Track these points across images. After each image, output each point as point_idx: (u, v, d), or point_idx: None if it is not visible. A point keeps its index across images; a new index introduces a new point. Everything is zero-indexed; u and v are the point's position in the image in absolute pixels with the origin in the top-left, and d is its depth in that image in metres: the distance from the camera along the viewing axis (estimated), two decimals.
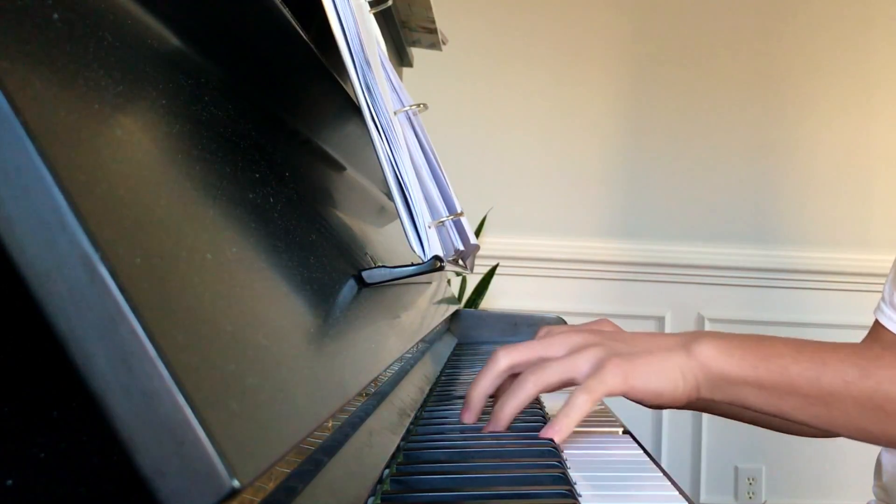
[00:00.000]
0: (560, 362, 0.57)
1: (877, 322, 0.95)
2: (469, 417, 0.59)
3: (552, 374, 0.56)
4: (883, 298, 0.95)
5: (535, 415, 0.65)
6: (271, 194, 0.42)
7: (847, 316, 2.10)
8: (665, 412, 2.15)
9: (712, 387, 0.56)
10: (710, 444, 2.18)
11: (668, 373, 0.55)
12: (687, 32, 2.21)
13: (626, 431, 0.65)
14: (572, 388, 0.58)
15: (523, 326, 1.21)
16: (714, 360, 0.55)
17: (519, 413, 0.57)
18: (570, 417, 0.54)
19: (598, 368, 0.55)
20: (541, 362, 0.57)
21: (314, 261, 0.44)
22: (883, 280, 0.99)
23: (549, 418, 0.64)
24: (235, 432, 0.22)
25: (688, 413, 2.16)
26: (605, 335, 0.60)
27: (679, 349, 0.56)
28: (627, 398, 0.56)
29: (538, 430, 0.59)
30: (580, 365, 0.56)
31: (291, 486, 0.31)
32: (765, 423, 0.59)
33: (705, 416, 2.15)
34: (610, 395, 0.55)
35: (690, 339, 0.57)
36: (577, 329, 0.63)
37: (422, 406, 0.66)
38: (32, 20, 0.24)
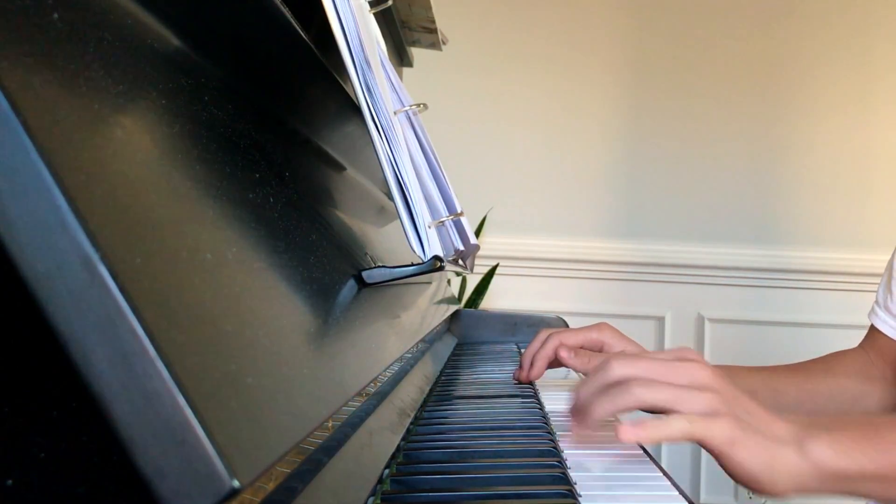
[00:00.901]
0: (674, 389, 0.52)
1: (873, 326, 0.95)
2: (578, 420, 0.55)
3: (659, 395, 0.52)
4: (877, 301, 0.96)
5: (534, 414, 0.65)
6: (271, 194, 0.42)
7: (846, 316, 2.10)
8: None
9: (823, 483, 0.53)
10: None
11: (774, 465, 0.51)
12: (686, 34, 2.21)
13: None
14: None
15: (523, 326, 1.21)
16: (831, 460, 0.52)
17: (609, 416, 0.54)
18: (658, 430, 0.50)
19: (711, 415, 0.51)
20: (655, 381, 0.53)
21: (314, 261, 0.44)
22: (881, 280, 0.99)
23: (549, 419, 0.64)
24: (235, 432, 0.22)
25: None
26: (729, 393, 0.54)
27: (793, 445, 0.52)
28: (718, 461, 0.52)
29: (538, 429, 0.59)
30: (694, 402, 0.52)
31: (291, 486, 0.31)
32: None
33: None
34: (706, 443, 0.51)
35: (805, 434, 0.53)
36: (705, 366, 0.56)
37: (422, 406, 0.66)
38: (32, 20, 0.24)
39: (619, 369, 0.54)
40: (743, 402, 0.54)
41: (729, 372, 0.88)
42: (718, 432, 0.50)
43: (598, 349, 0.87)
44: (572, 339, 0.86)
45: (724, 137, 2.20)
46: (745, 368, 0.90)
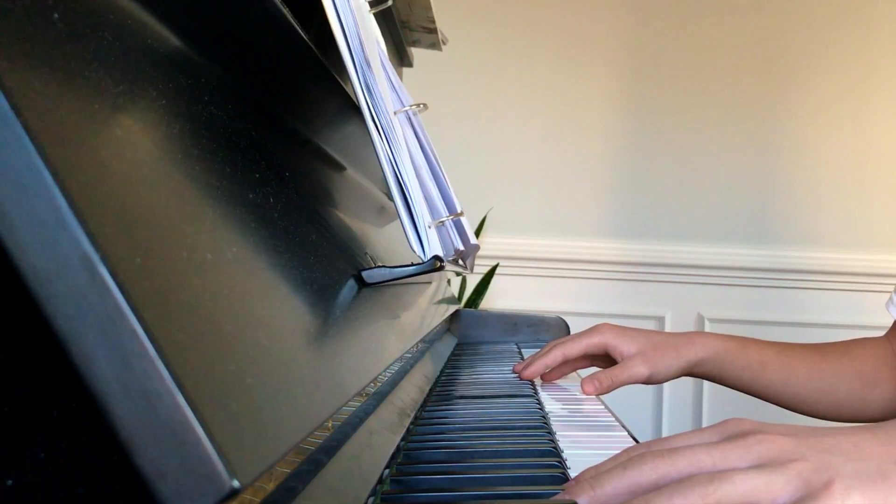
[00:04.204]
0: (746, 477, 0.38)
1: None
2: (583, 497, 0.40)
3: (729, 494, 0.37)
4: None
5: (534, 414, 0.65)
6: (271, 194, 0.42)
7: (847, 316, 2.09)
8: (665, 409, 2.16)
9: None
10: None
11: None
12: (686, 34, 2.21)
13: (627, 433, 0.65)
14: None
15: (523, 326, 1.21)
16: None
17: None
18: None
19: (810, 496, 0.37)
20: (717, 472, 0.38)
21: (314, 261, 0.44)
22: (882, 279, 0.98)
23: (549, 419, 0.64)
24: (235, 432, 0.22)
25: (688, 413, 2.17)
26: (802, 439, 0.41)
27: None
28: None
29: (538, 429, 0.59)
30: (776, 487, 0.38)
31: (291, 486, 0.31)
32: None
33: (706, 416, 2.15)
34: None
35: None
36: (763, 429, 0.42)
37: (422, 406, 0.66)
38: (32, 20, 0.24)
39: (650, 471, 0.40)
40: (826, 443, 0.41)
41: (741, 344, 0.88)
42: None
43: (603, 353, 0.87)
44: (574, 348, 0.86)
45: (724, 138, 2.20)
46: (758, 340, 0.90)
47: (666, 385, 2.15)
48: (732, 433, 0.42)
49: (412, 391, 0.65)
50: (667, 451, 0.41)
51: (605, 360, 0.89)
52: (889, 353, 0.90)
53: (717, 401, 2.13)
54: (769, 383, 0.88)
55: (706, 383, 2.12)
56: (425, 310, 0.81)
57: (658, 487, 0.39)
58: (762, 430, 0.42)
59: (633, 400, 2.10)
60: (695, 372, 0.88)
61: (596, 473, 0.41)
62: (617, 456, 0.43)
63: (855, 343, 0.92)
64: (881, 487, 0.37)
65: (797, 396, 0.89)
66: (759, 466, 0.39)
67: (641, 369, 0.83)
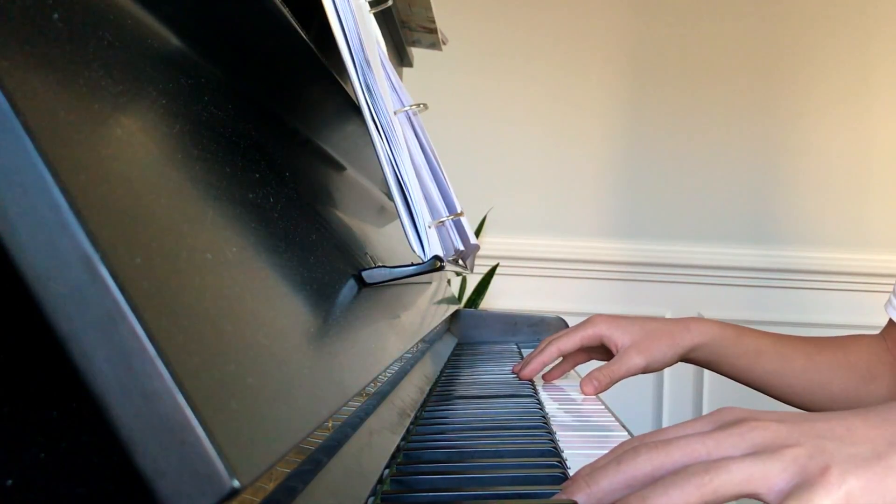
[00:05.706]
0: (741, 465, 0.37)
1: (891, 321, 0.94)
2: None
3: (726, 483, 0.37)
4: (895, 293, 0.94)
5: (534, 414, 0.65)
6: (271, 194, 0.42)
7: (847, 316, 2.09)
8: (665, 405, 2.16)
9: None
10: None
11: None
12: (687, 34, 2.21)
13: (628, 433, 0.65)
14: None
15: (523, 326, 1.21)
16: None
17: None
18: None
19: (807, 482, 0.37)
20: (713, 462, 0.38)
21: (314, 261, 0.44)
22: (881, 279, 0.98)
23: (549, 420, 0.64)
24: (235, 432, 0.22)
25: (688, 409, 2.17)
26: (796, 425, 0.40)
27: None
28: None
29: (538, 429, 0.59)
30: (772, 474, 0.37)
31: (291, 486, 0.31)
32: None
33: (706, 411, 2.15)
34: None
35: None
36: (756, 416, 0.41)
37: (422, 406, 0.66)
38: (32, 20, 0.24)
39: (646, 463, 0.39)
40: (820, 428, 0.40)
41: (738, 332, 0.88)
42: (835, 498, 0.36)
43: (598, 344, 0.88)
44: (569, 343, 0.87)
45: (725, 138, 2.20)
46: (755, 330, 0.89)
47: (666, 380, 2.15)
48: (726, 421, 0.42)
49: (412, 391, 0.65)
50: (661, 442, 0.40)
51: (602, 351, 0.89)
52: (884, 349, 0.91)
53: (718, 396, 2.13)
54: (764, 373, 0.88)
55: (706, 377, 2.12)
56: (425, 310, 0.81)
57: (654, 479, 0.38)
58: (755, 417, 0.41)
59: (633, 396, 2.10)
60: (690, 358, 0.88)
61: (591, 470, 0.41)
62: (612, 451, 0.43)
63: (851, 339, 0.92)
64: (877, 470, 0.37)
65: (792, 388, 0.89)
66: (755, 454, 0.38)
67: (637, 360, 0.82)
